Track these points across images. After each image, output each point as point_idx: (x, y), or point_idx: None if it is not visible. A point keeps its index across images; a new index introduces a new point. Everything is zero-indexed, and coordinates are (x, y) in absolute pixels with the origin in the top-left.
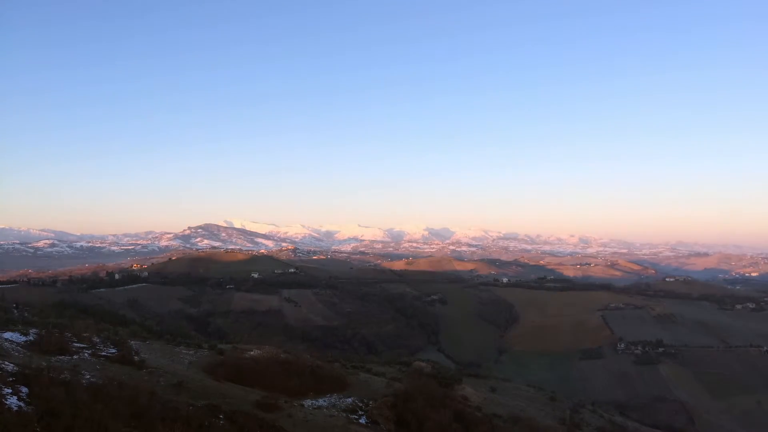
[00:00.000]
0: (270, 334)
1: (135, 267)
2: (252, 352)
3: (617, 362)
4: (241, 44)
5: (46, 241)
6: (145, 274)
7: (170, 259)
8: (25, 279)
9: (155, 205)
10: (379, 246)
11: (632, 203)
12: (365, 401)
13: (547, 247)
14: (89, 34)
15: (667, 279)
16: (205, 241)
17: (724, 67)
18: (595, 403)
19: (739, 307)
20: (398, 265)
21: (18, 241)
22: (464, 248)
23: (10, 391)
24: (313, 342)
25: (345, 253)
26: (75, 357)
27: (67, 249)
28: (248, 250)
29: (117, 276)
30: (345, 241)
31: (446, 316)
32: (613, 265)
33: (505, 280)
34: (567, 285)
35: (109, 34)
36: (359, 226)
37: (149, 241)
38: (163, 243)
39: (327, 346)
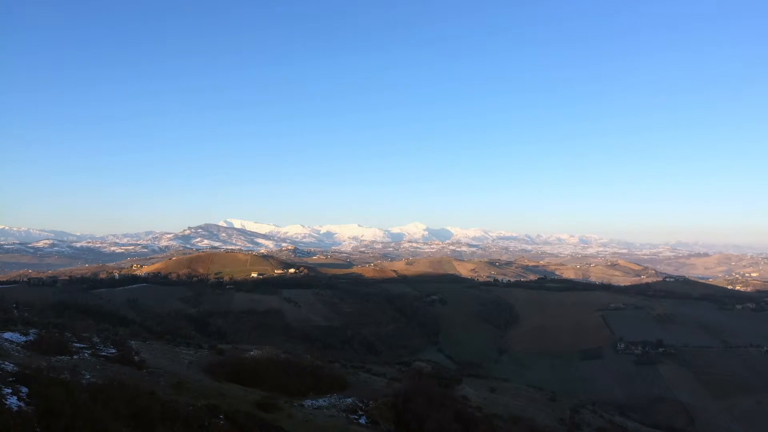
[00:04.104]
0: (270, 334)
1: (135, 267)
2: (252, 352)
3: (617, 362)
4: (241, 44)
5: (46, 241)
6: (145, 274)
7: (170, 259)
8: (25, 279)
9: (155, 205)
10: (379, 246)
11: (632, 203)
12: (365, 401)
13: (547, 248)
14: (89, 34)
15: (667, 279)
16: (205, 242)
17: (723, 66)
18: (595, 403)
19: (739, 307)
20: (398, 266)
21: (18, 241)
22: (464, 248)
23: (10, 391)
24: (313, 342)
25: (345, 253)
26: (75, 357)
27: (67, 249)
28: (248, 251)
29: (117, 276)
30: (345, 241)
31: (446, 316)
32: (613, 265)
33: (505, 280)
34: (567, 285)
35: (109, 34)
36: (359, 226)
37: (149, 241)
38: (163, 243)
39: (327, 346)
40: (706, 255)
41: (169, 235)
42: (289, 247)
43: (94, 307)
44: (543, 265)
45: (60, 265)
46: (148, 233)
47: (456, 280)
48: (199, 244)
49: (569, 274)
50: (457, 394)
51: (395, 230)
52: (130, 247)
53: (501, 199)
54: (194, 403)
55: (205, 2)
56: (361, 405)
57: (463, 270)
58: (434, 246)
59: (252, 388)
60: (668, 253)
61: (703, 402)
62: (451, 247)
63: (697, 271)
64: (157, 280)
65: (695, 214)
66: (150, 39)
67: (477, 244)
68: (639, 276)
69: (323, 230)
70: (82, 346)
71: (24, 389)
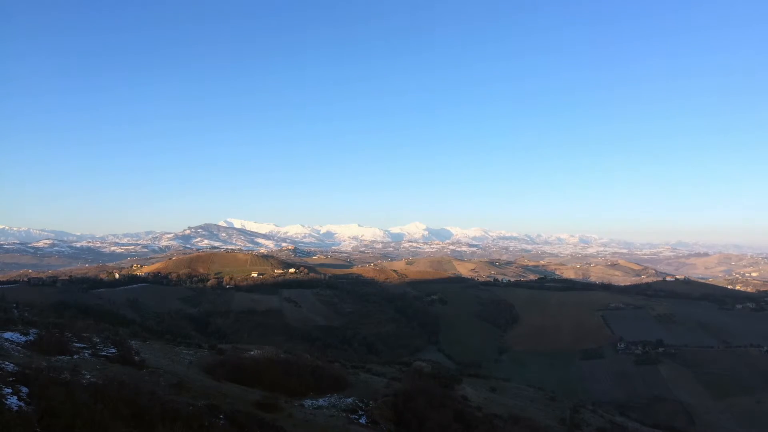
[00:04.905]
0: (270, 334)
1: (135, 267)
2: (252, 352)
3: (617, 362)
4: (241, 44)
5: (46, 241)
6: (145, 274)
7: (170, 259)
8: (25, 279)
9: (155, 205)
10: (379, 246)
11: (632, 203)
12: (365, 401)
13: (547, 247)
14: (89, 37)
15: (667, 279)
16: (205, 241)
17: (723, 67)
18: (595, 403)
19: (739, 307)
20: (398, 266)
21: (18, 241)
22: (464, 248)
23: (10, 391)
24: (313, 342)
25: (345, 253)
26: (75, 357)
27: (67, 249)
28: (248, 250)
29: (117, 276)
30: (345, 241)
31: (446, 316)
32: (613, 265)
33: (505, 280)
34: (567, 285)
35: (109, 37)
36: (359, 226)
37: (149, 241)
38: (163, 243)
39: (327, 346)
40: (706, 255)
41: (169, 235)
42: (289, 247)
43: (94, 307)
44: (543, 265)
45: (60, 265)
46: (148, 233)
47: (456, 280)
48: (199, 244)
49: (569, 274)
50: (457, 394)
51: (395, 230)
52: (130, 247)
53: (501, 199)
54: (194, 403)
55: (204, 6)
56: (361, 405)
57: (464, 270)
58: (434, 246)
59: (252, 388)
60: (668, 253)
61: (703, 402)
62: (451, 247)
63: (697, 270)
64: (157, 280)
65: (695, 214)
66: (149, 42)
67: (477, 244)
68: (639, 276)
69: (323, 230)
70: (82, 346)
71: (24, 389)
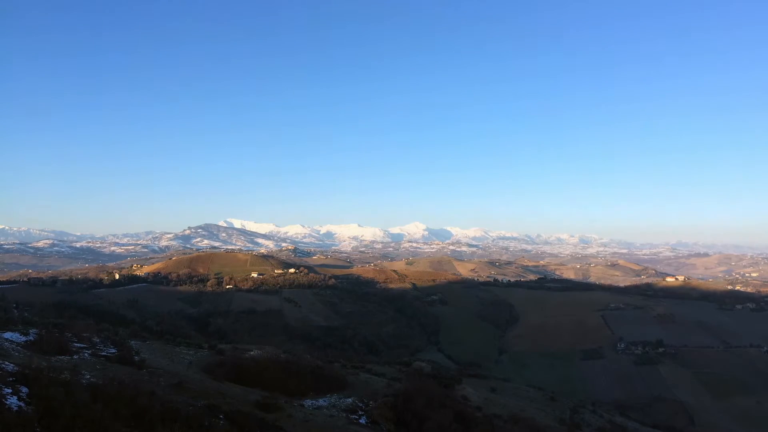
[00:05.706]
0: (270, 334)
1: (135, 267)
2: (252, 352)
3: (617, 362)
4: (241, 43)
5: (46, 241)
6: (145, 274)
7: (170, 259)
8: (25, 279)
9: (155, 205)
10: (379, 246)
11: (632, 203)
12: (365, 401)
13: (547, 248)
14: (88, 33)
15: (667, 279)
16: (205, 242)
17: (723, 67)
18: (595, 403)
19: (739, 307)
20: (398, 266)
21: (18, 241)
22: (464, 248)
23: (10, 391)
24: (313, 342)
25: (345, 253)
26: (75, 357)
27: (67, 249)
28: (248, 251)
29: (117, 276)
30: (345, 241)
31: (446, 316)
32: (613, 265)
33: (505, 280)
34: (567, 285)
35: (110, 35)
36: (359, 226)
37: (149, 242)
38: (163, 243)
39: (327, 346)
40: (706, 255)
41: (169, 235)
42: (289, 247)
43: (94, 307)
44: (543, 265)
45: (60, 265)
46: (148, 233)
47: (456, 280)
48: (199, 244)
49: (569, 274)
50: (457, 394)
51: (395, 230)
52: (130, 247)
53: (501, 199)
54: (194, 403)
55: (204, 4)
56: (361, 405)
57: (463, 270)
58: (434, 246)
59: (252, 388)
60: (668, 253)
61: (703, 402)
62: (451, 247)
63: (697, 271)
64: (157, 280)
65: (695, 214)
66: (150, 41)
67: (477, 244)
68: (639, 276)
69: (323, 230)
70: (82, 346)
71: (24, 389)
